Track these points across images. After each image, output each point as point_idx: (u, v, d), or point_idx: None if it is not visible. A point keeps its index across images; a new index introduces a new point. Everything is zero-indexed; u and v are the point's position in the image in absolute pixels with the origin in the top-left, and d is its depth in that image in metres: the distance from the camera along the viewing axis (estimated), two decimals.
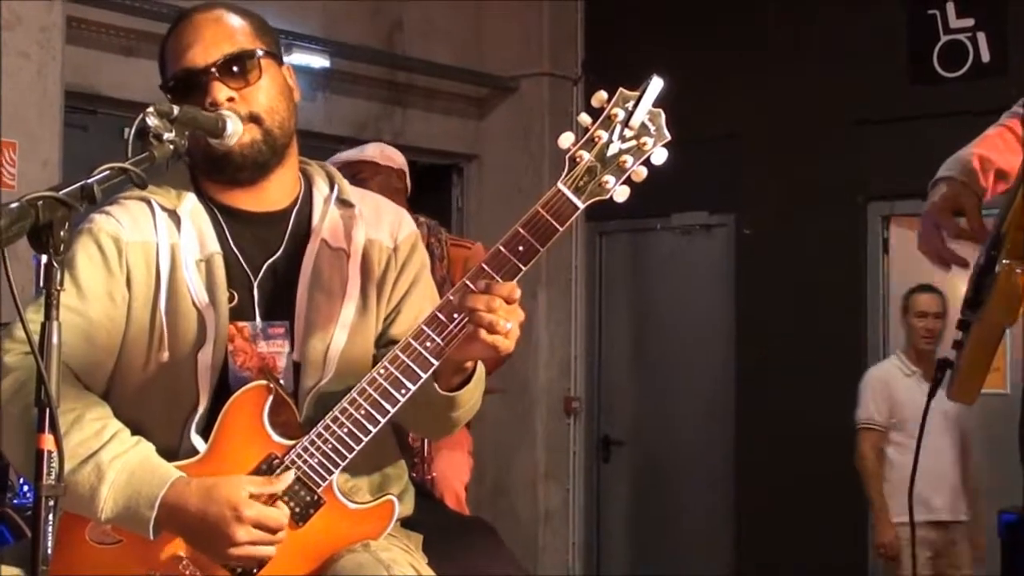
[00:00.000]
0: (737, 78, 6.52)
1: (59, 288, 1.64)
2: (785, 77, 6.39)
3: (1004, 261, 2.21)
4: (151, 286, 2.09)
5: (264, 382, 2.06)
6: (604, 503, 7.25)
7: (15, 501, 3.50)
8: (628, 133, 1.95)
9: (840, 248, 6.30)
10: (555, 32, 7.20)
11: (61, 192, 1.65)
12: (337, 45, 6.32)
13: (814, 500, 6.20)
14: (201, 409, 2.07)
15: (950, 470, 5.28)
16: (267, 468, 2.02)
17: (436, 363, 1.98)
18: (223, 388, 2.08)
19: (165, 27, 2.22)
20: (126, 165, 1.75)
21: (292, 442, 2.03)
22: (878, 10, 6.12)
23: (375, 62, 6.65)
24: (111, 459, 1.97)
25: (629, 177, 1.97)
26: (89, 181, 1.70)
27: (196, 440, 2.06)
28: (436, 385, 2.04)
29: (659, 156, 1.97)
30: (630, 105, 1.95)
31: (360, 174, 3.90)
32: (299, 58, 6.02)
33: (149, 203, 2.12)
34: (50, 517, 1.62)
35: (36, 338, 1.63)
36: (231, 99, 2.08)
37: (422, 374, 1.98)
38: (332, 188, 2.24)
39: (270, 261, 2.16)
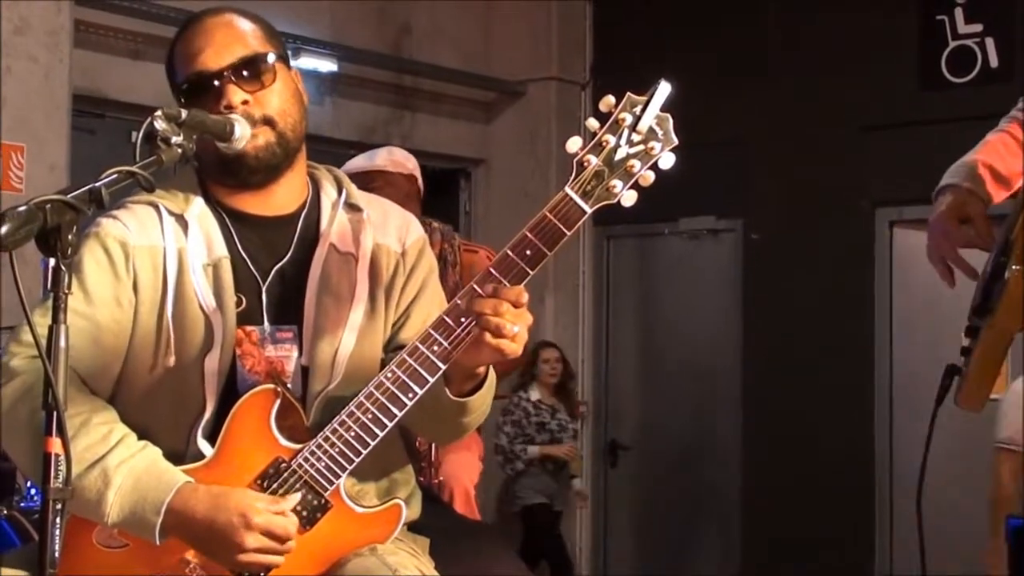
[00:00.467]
0: (745, 83, 6.51)
1: (67, 292, 1.64)
2: (793, 82, 6.38)
3: (1014, 267, 2.20)
4: (158, 290, 2.08)
5: (271, 386, 2.06)
6: (611, 507, 7.24)
7: (22, 504, 3.50)
8: (636, 137, 1.95)
9: (848, 253, 6.29)
10: (563, 37, 7.19)
11: (69, 196, 1.65)
12: (345, 49, 6.32)
13: (820, 505, 6.19)
14: (208, 413, 2.06)
15: None
16: (274, 472, 2.02)
17: (443, 367, 1.97)
18: (231, 392, 2.07)
19: (173, 31, 2.21)
20: (134, 169, 1.75)
21: (299, 446, 2.03)
22: (887, 16, 6.11)
23: (383, 66, 6.65)
24: (117, 464, 1.97)
25: (637, 181, 1.96)
26: (97, 185, 1.70)
27: (203, 444, 2.06)
28: (447, 390, 2.03)
29: (667, 160, 1.96)
30: (638, 109, 1.94)
31: (372, 184, 3.84)
32: (307, 62, 6.01)
33: (156, 207, 2.12)
34: (57, 520, 1.62)
35: (43, 342, 1.63)
36: (245, 102, 2.08)
37: (429, 378, 1.97)
38: (340, 192, 2.23)
39: (278, 265, 2.15)
